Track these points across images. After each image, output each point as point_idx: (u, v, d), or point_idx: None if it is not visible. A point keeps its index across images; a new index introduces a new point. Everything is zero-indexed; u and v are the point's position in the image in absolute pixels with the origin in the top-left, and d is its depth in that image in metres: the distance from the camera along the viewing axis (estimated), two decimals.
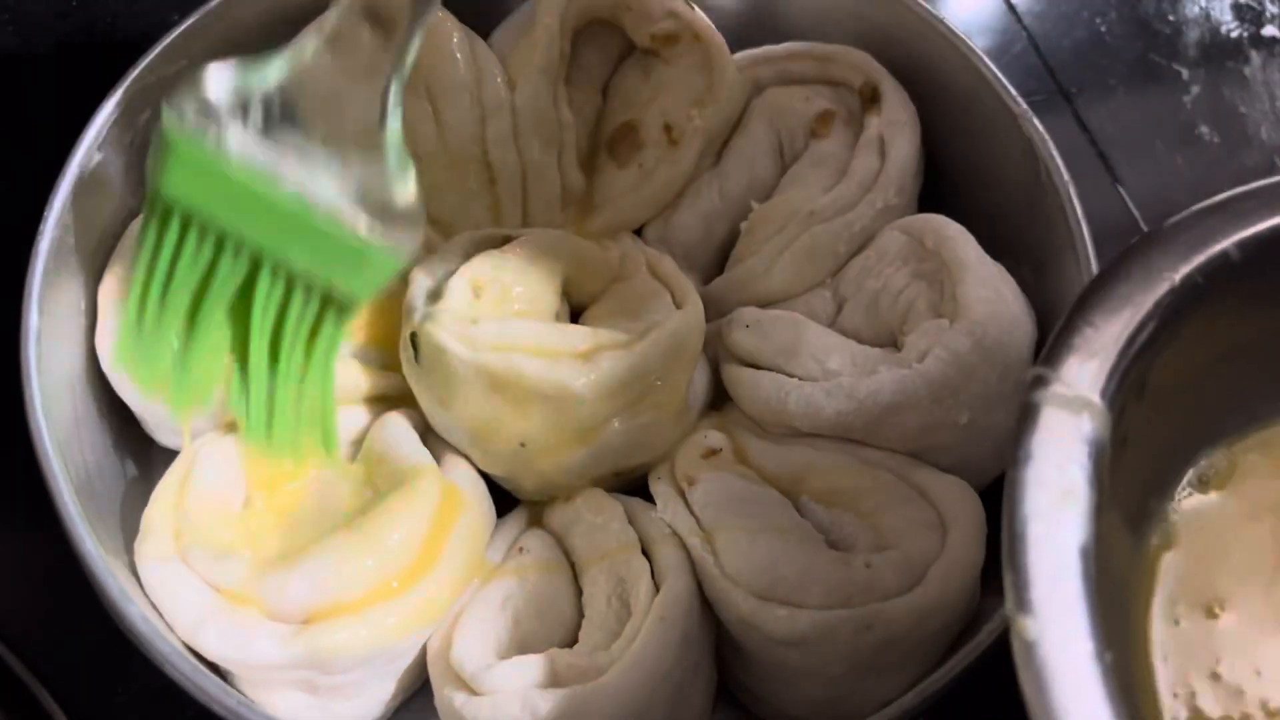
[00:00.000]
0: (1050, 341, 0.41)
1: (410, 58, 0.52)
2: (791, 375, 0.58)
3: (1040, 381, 0.40)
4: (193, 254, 0.51)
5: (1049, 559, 0.37)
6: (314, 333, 0.53)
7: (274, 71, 0.52)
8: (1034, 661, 0.35)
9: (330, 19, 0.54)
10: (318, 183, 0.50)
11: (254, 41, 0.63)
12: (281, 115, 0.51)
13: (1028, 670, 0.35)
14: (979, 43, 0.78)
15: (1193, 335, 0.43)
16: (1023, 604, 0.36)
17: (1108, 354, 0.40)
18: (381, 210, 0.51)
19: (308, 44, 0.53)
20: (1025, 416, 0.39)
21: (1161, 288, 0.42)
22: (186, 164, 0.49)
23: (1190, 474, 0.47)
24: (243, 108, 0.50)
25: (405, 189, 0.52)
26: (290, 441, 0.54)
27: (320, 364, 0.53)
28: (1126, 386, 0.41)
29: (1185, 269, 0.42)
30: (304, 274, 0.51)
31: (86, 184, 0.58)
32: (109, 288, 0.58)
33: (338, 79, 0.53)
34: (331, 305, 0.52)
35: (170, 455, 0.58)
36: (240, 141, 0.50)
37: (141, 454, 0.61)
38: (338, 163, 0.51)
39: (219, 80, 0.50)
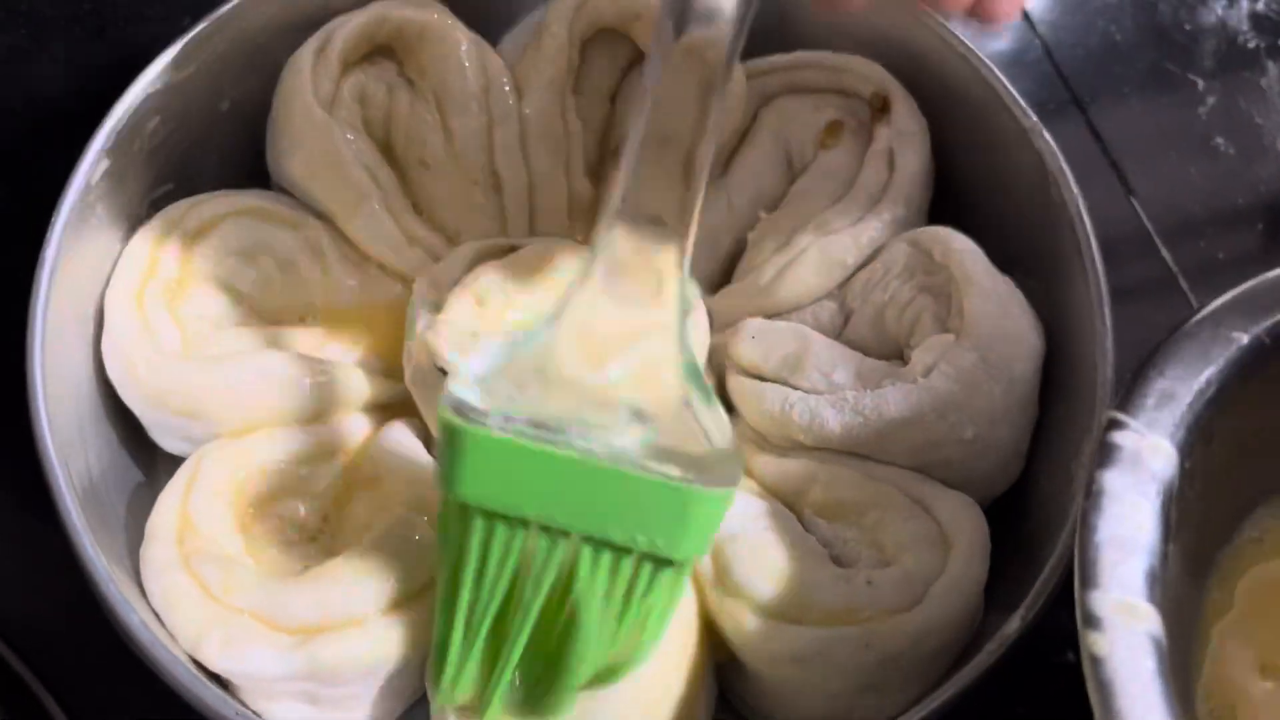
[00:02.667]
0: (1126, 387, 0.45)
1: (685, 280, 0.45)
2: (796, 388, 0.58)
3: (1115, 424, 0.44)
4: (500, 557, 0.45)
5: (1119, 582, 0.41)
6: (637, 606, 0.46)
7: (540, 338, 0.45)
8: (1102, 675, 0.39)
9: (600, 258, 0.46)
10: (617, 439, 0.44)
11: (265, 47, 0.63)
12: (552, 379, 0.45)
13: (1095, 683, 0.39)
14: (992, 50, 0.78)
15: (1259, 392, 0.47)
16: (1092, 621, 0.40)
17: (1179, 402, 0.45)
18: (694, 457, 0.44)
19: (578, 298, 0.46)
20: (1101, 455, 0.44)
21: (1230, 346, 0.46)
22: (483, 457, 0.43)
23: (1250, 528, 0.51)
24: (515, 383, 0.45)
25: (718, 423, 0.45)
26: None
27: (647, 634, 0.47)
28: (1195, 433, 0.45)
29: (1254, 330, 0.47)
30: (626, 543, 0.44)
31: (94, 190, 0.58)
32: (116, 294, 0.58)
33: (610, 319, 0.45)
34: (661, 573, 0.45)
35: (176, 461, 0.58)
36: (527, 417, 0.44)
37: (147, 459, 0.61)
38: (630, 410, 0.45)
39: (483, 365, 0.45)
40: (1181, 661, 0.46)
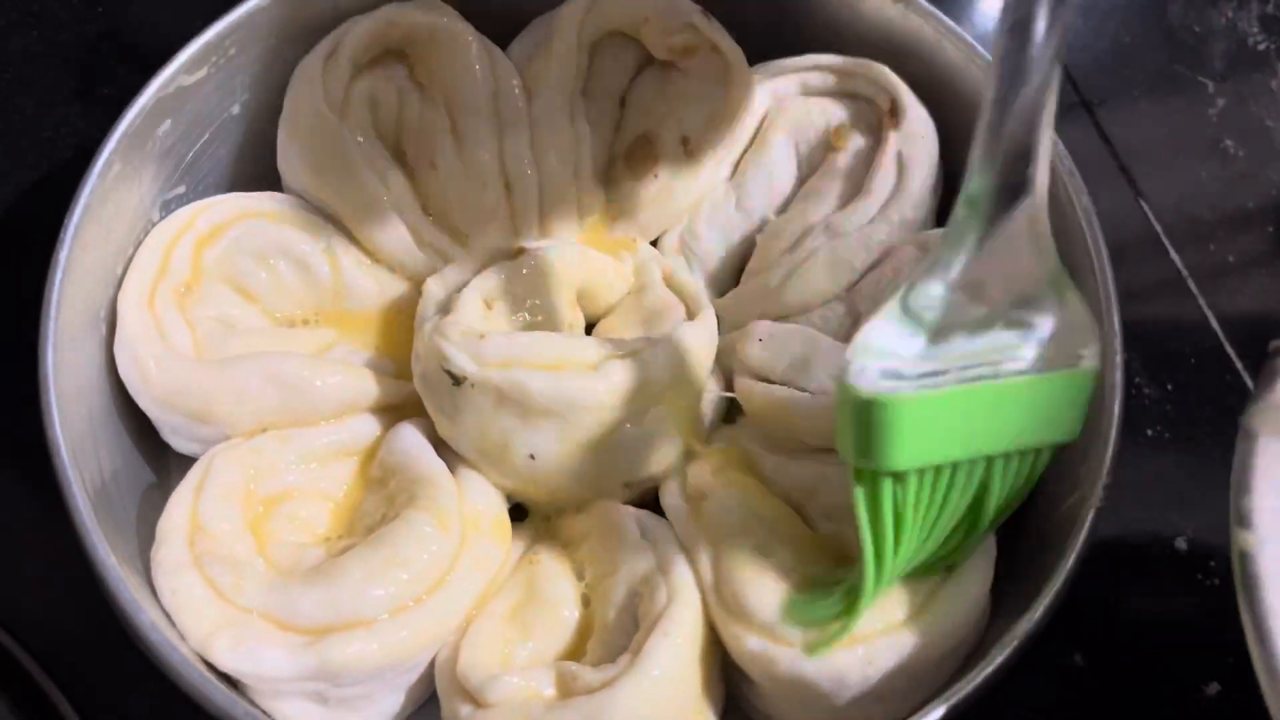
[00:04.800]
0: None
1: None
2: (804, 390, 0.58)
3: None
4: (926, 503, 0.49)
5: (1272, 490, 0.43)
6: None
7: (937, 287, 0.48)
8: (1249, 570, 0.42)
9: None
10: (998, 349, 0.48)
11: (276, 51, 0.64)
12: (947, 315, 0.48)
13: (1243, 578, 0.42)
14: None
15: None
16: (1244, 520, 0.43)
17: None
18: (1054, 334, 0.49)
19: (969, 238, 0.48)
20: (1265, 377, 0.46)
21: None
22: (907, 421, 0.47)
23: None
24: (906, 343, 0.48)
25: (1069, 298, 0.49)
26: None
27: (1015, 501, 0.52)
28: None
29: None
30: (1036, 445, 0.50)
31: (107, 191, 0.58)
32: (128, 295, 0.58)
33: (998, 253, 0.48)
34: (1042, 455, 0.51)
35: (187, 461, 0.59)
36: (928, 365, 0.47)
37: (159, 460, 0.61)
38: (999, 317, 0.48)
39: (876, 336, 0.48)
40: None
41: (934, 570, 0.52)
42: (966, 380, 0.47)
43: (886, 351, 0.48)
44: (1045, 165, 0.47)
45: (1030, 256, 0.48)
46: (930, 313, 0.48)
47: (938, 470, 0.49)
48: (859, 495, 0.49)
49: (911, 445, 0.47)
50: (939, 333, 0.48)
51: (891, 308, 0.48)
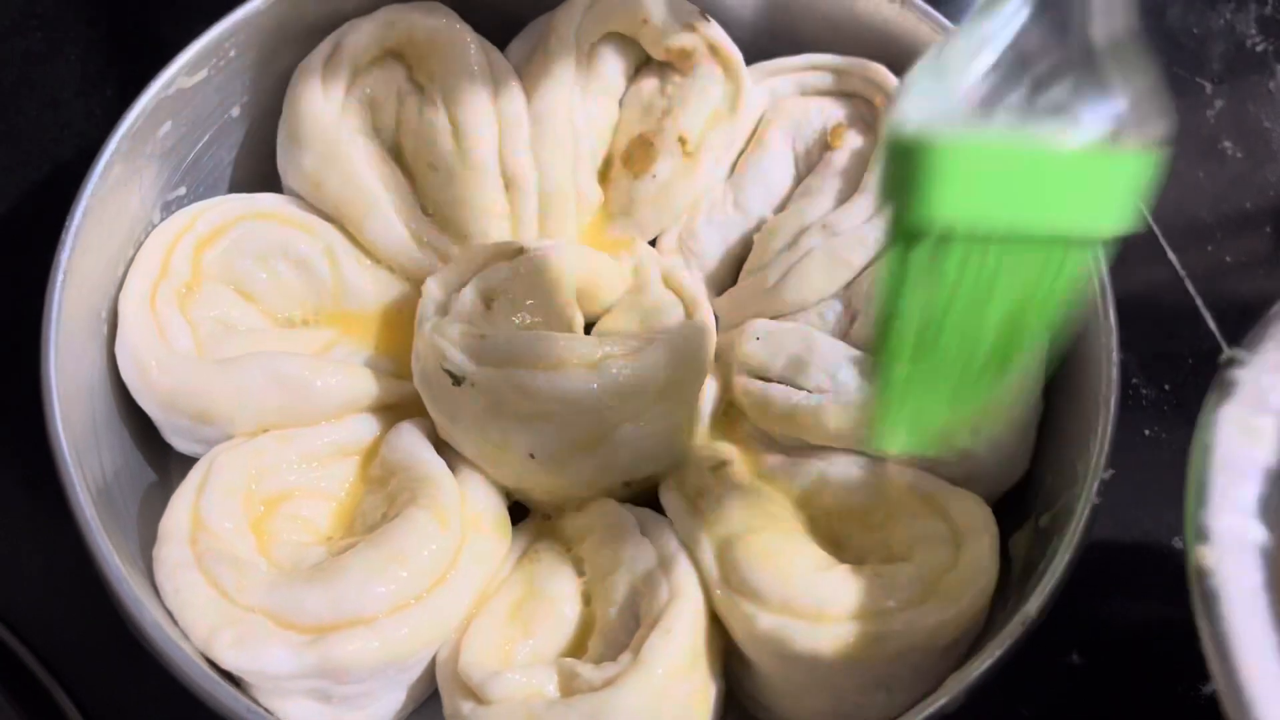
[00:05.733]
0: (1255, 331, 0.46)
1: None
2: (802, 388, 0.58)
3: (1235, 362, 0.45)
4: (961, 280, 0.43)
5: (1232, 503, 0.42)
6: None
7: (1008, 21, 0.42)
8: (1208, 586, 0.41)
9: None
10: (1054, 116, 0.41)
11: (276, 53, 0.64)
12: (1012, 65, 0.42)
13: (1200, 593, 0.41)
14: None
15: None
16: (1202, 535, 0.42)
17: None
18: (1121, 110, 0.42)
19: None
20: (1219, 388, 0.44)
21: None
22: (947, 172, 0.41)
23: None
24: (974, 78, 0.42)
25: (1139, 70, 0.42)
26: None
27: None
28: None
29: None
30: (1073, 233, 0.43)
31: (109, 192, 0.58)
32: (129, 296, 0.59)
33: None
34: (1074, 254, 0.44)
35: (188, 462, 0.59)
36: (985, 112, 0.41)
37: (160, 460, 0.61)
38: (1072, 76, 0.41)
39: (932, 74, 0.42)
40: None
41: (963, 426, 0.47)
42: (1016, 137, 0.41)
43: (931, 98, 0.42)
44: None
45: (1095, 18, 0.42)
46: (981, 60, 0.42)
47: (971, 246, 0.42)
48: (891, 255, 0.43)
49: (951, 198, 0.41)
50: (989, 92, 0.42)
51: (932, 53, 0.43)
